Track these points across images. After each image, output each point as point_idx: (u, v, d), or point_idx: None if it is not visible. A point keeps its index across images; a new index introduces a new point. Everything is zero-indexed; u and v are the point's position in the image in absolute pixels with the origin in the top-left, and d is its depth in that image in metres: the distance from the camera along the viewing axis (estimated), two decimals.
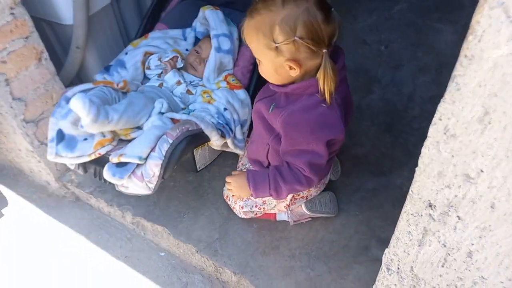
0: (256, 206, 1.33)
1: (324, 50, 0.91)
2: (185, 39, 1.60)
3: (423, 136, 0.58)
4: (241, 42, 1.48)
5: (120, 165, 1.20)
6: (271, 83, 1.06)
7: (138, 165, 1.20)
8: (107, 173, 1.20)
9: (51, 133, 1.24)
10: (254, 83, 1.47)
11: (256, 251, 1.34)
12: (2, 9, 1.21)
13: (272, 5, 0.90)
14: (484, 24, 0.43)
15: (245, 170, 1.25)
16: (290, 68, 0.95)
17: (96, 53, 1.66)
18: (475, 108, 0.48)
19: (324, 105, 0.97)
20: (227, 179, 1.21)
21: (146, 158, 1.19)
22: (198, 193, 1.50)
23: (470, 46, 0.46)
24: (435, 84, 1.85)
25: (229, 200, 1.40)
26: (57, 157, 1.24)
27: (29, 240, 1.54)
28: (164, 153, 1.18)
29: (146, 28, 1.62)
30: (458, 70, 0.48)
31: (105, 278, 1.42)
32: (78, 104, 1.11)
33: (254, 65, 1.47)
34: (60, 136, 1.24)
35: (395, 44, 2.07)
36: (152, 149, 1.19)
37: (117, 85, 1.35)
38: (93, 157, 1.25)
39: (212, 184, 1.51)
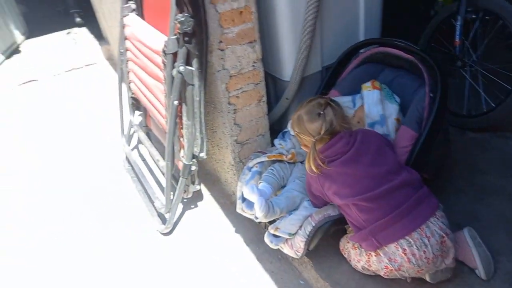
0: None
1: (312, 140, 1.39)
2: (354, 105, 1.73)
3: None
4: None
5: (276, 235, 1.57)
6: None
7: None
8: (266, 239, 1.61)
9: (239, 193, 1.68)
10: (412, 163, 1.51)
11: None
12: (248, 62, 1.69)
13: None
14: None
15: None
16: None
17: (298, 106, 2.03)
18: None
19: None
20: None
21: (295, 234, 1.52)
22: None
23: None
24: None
25: (345, 254, 1.55)
26: (242, 211, 1.65)
27: (204, 229, 1.96)
28: (308, 233, 1.49)
29: (322, 94, 1.87)
30: None
31: (246, 281, 1.69)
32: (256, 205, 1.50)
33: (414, 145, 1.52)
34: (243, 197, 1.65)
35: None
36: (300, 227, 1.51)
37: (286, 157, 1.74)
38: None
39: None
